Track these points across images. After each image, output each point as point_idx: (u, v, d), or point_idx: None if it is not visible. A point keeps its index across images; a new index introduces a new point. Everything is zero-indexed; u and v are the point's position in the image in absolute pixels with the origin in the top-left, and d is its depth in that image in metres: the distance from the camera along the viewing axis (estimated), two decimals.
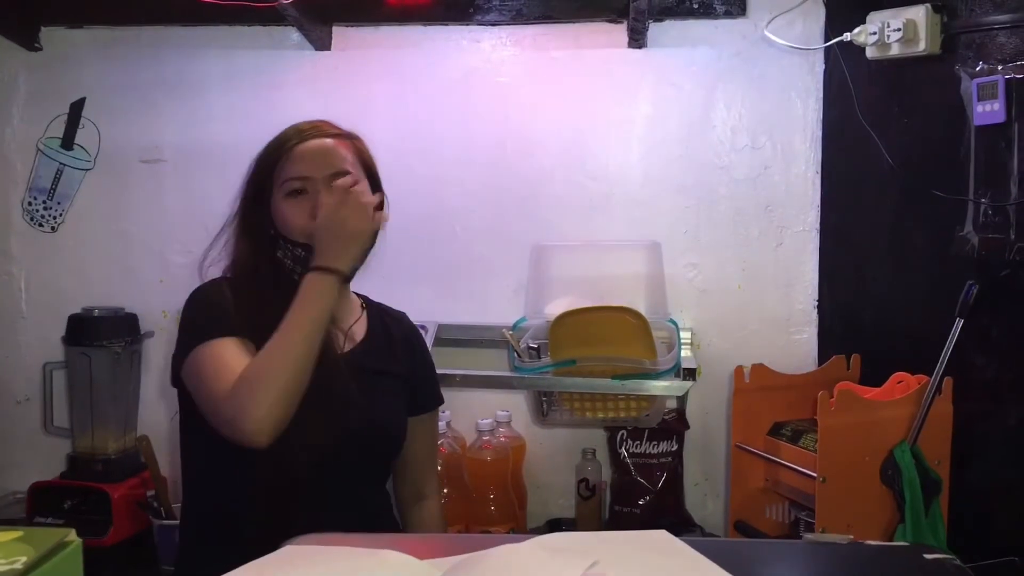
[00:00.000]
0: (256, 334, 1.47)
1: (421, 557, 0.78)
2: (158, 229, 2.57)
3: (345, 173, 1.56)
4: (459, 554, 0.78)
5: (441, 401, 1.80)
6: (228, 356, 1.45)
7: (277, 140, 1.61)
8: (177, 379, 1.54)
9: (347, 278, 1.51)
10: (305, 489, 1.49)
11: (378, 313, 1.74)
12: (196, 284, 2.52)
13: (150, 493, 2.38)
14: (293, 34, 2.49)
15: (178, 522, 2.28)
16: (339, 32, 2.50)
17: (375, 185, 1.63)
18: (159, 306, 2.57)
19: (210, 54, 2.53)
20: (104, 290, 2.57)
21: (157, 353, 2.57)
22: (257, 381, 1.39)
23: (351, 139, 1.63)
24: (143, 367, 2.57)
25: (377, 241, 1.57)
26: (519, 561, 0.72)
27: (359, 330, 1.67)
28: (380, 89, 2.49)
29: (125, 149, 2.57)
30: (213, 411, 1.43)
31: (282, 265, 1.56)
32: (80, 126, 2.58)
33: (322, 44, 2.48)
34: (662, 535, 0.84)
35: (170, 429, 2.55)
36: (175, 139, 2.56)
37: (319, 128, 1.61)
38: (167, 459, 2.44)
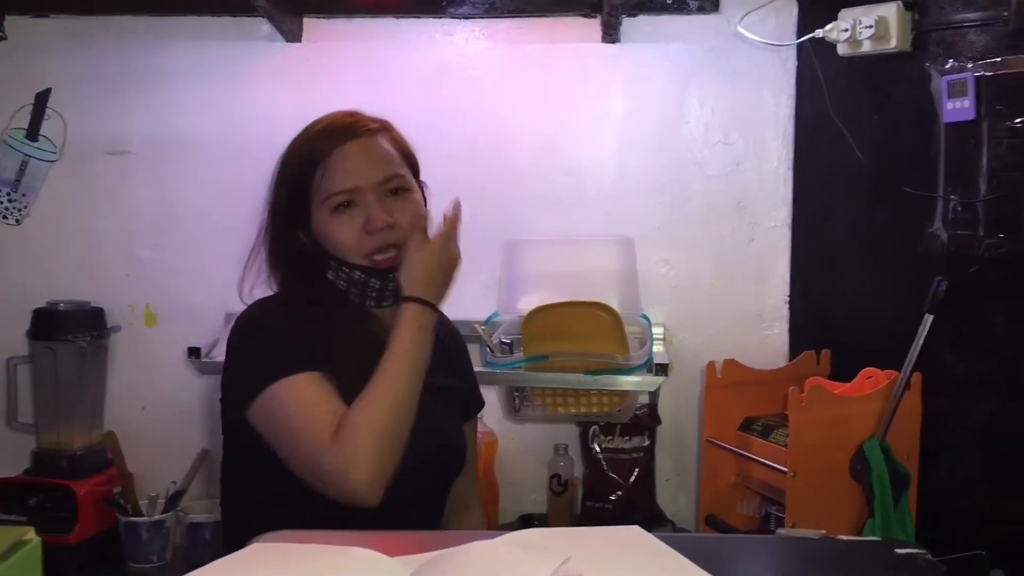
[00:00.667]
0: (328, 367, 1.31)
1: (391, 554, 0.76)
2: (125, 222, 2.54)
3: (394, 178, 1.40)
4: (429, 551, 0.77)
5: (484, 403, 1.68)
6: (319, 396, 1.28)
7: (309, 146, 1.41)
8: (236, 419, 1.35)
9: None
10: (373, 521, 1.30)
11: None
12: (166, 278, 2.54)
13: (117, 490, 2.36)
14: (263, 25, 2.46)
15: (150, 519, 2.29)
16: (310, 23, 2.47)
17: (415, 172, 1.49)
18: (126, 300, 2.54)
19: (178, 45, 2.50)
20: (70, 284, 2.53)
21: (124, 348, 2.54)
22: (368, 431, 1.22)
23: (387, 130, 1.46)
24: (109, 362, 2.53)
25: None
26: (491, 558, 0.72)
27: None
28: (351, 82, 2.46)
29: (92, 141, 2.53)
30: (311, 463, 1.25)
31: (333, 287, 1.41)
32: (46, 117, 2.53)
33: (293, 35, 2.46)
34: (634, 531, 0.83)
35: (138, 424, 2.53)
36: (143, 131, 2.52)
37: (352, 125, 1.42)
38: (134, 455, 2.40)
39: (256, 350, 1.36)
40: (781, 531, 0.85)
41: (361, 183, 1.37)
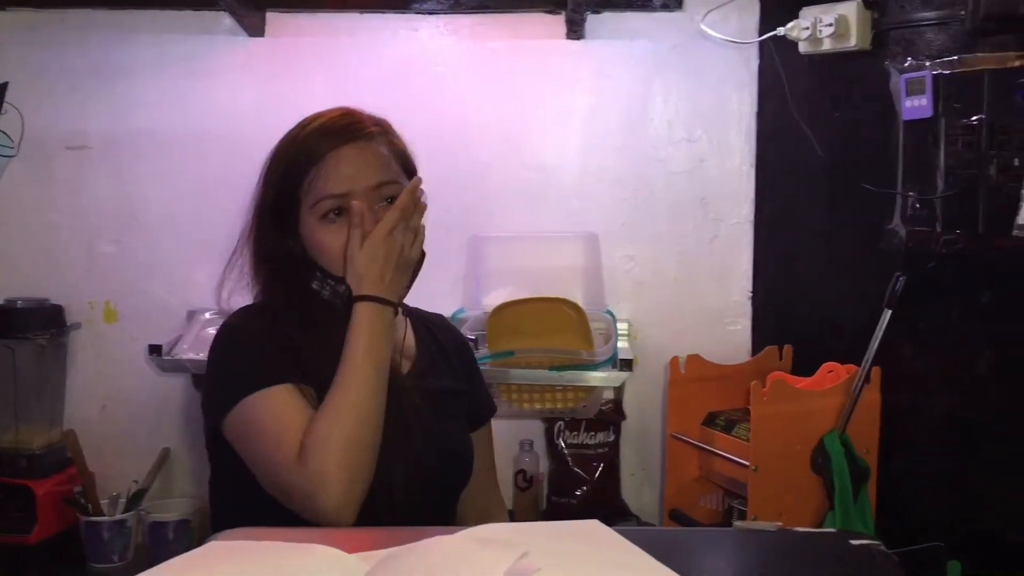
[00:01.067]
0: (307, 378, 1.25)
1: (349, 551, 0.76)
2: (85, 218, 2.50)
3: (388, 184, 1.31)
4: (388, 547, 0.77)
5: (495, 409, 1.58)
6: (291, 411, 1.21)
7: (302, 145, 1.32)
8: (215, 435, 1.29)
9: (397, 310, 1.31)
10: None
11: (420, 320, 1.50)
12: (127, 275, 2.51)
13: (77, 489, 2.33)
14: (225, 19, 2.43)
15: (111, 519, 2.27)
16: (273, 18, 2.45)
17: (411, 173, 1.39)
18: (86, 297, 2.50)
19: (139, 39, 2.46)
20: (28, 281, 2.49)
21: (83, 345, 2.51)
22: (332, 447, 1.15)
23: (385, 133, 1.36)
24: (69, 360, 2.50)
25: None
26: (448, 553, 0.71)
27: (409, 345, 1.43)
28: (315, 77, 2.44)
29: (50, 136, 2.49)
30: (280, 483, 1.19)
31: (317, 296, 1.34)
32: (2, 111, 2.49)
33: (255, 30, 2.44)
34: (593, 524, 0.84)
35: (99, 422, 2.50)
36: (102, 126, 2.49)
37: (349, 127, 1.32)
38: (95, 454, 2.38)
39: (231, 363, 1.30)
40: (738, 524, 0.85)
41: (354, 188, 1.29)
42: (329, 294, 1.32)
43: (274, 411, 1.21)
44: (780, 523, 0.83)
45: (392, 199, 1.30)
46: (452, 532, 0.81)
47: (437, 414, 1.37)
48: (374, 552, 0.77)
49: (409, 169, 1.38)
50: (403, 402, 1.28)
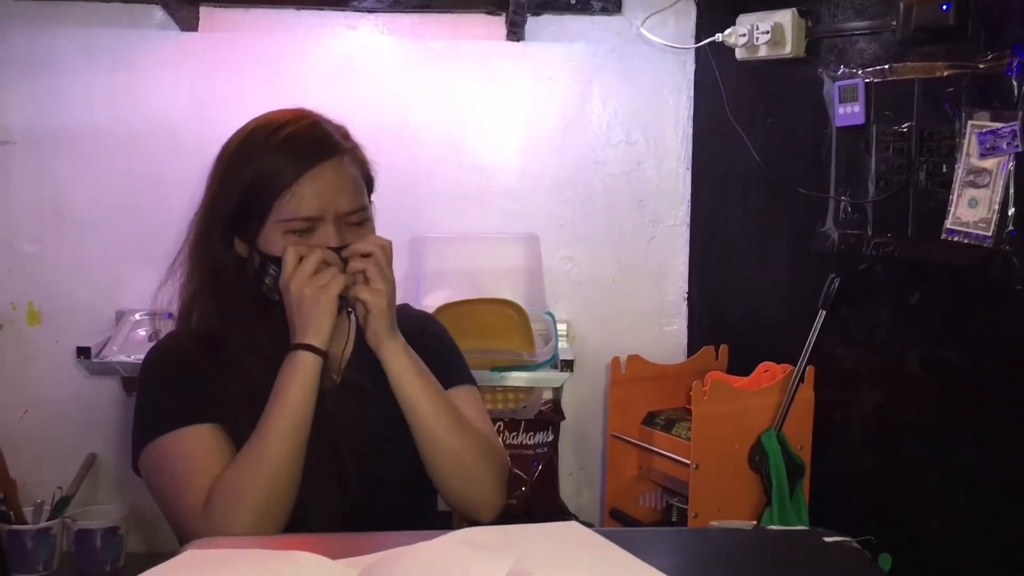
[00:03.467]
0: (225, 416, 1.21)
1: (333, 557, 0.75)
2: (6, 216, 2.40)
3: (359, 211, 1.28)
4: (372, 552, 0.76)
5: (470, 381, 1.42)
6: (198, 455, 1.18)
7: (273, 159, 1.25)
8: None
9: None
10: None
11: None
12: (51, 275, 2.42)
13: None
14: (157, 12, 2.37)
15: (35, 527, 2.19)
16: (207, 12, 2.40)
17: (371, 188, 1.34)
18: (7, 298, 2.41)
19: (65, 31, 2.37)
20: None
21: (5, 347, 2.41)
22: (241, 500, 1.11)
23: (352, 148, 1.32)
24: None
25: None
26: (442, 558, 0.71)
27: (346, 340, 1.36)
28: (250, 74, 2.40)
29: None
30: (185, 529, 1.15)
31: (265, 293, 1.28)
32: None
33: (188, 24, 2.37)
34: (573, 526, 0.84)
35: (20, 427, 2.40)
36: (25, 120, 2.39)
37: (322, 141, 1.27)
38: (16, 460, 2.29)
39: (144, 402, 1.27)
40: (714, 523, 0.87)
41: (326, 213, 1.25)
42: (281, 308, 1.26)
43: (182, 454, 1.19)
44: (755, 522, 0.85)
45: (361, 223, 1.29)
46: (431, 537, 0.80)
47: (371, 413, 1.29)
48: (359, 558, 0.76)
49: (370, 186, 1.35)
50: (328, 429, 1.22)
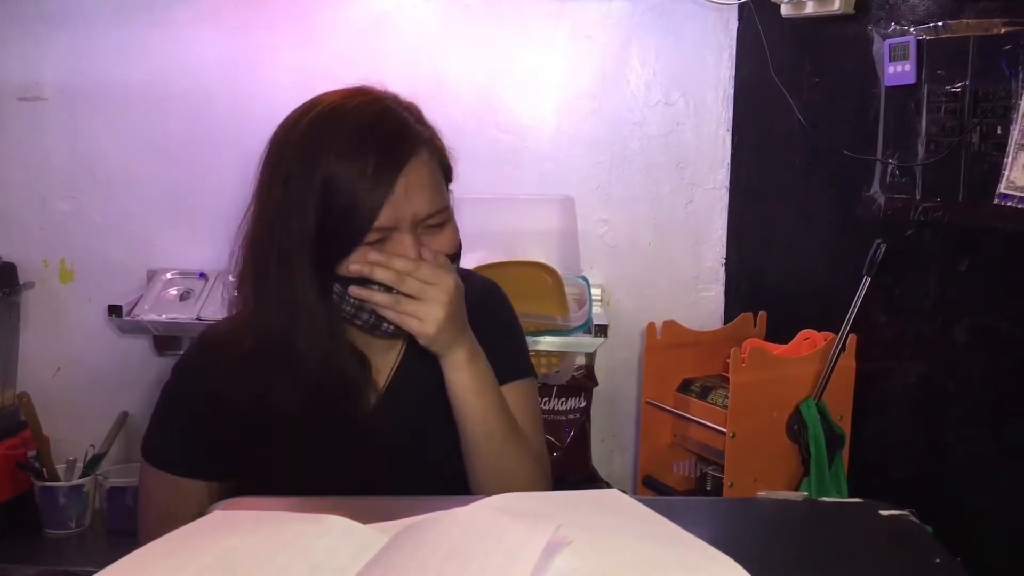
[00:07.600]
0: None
1: (364, 521, 0.72)
2: (39, 173, 2.40)
3: (441, 211, 1.16)
4: (404, 517, 0.73)
5: (526, 374, 1.32)
6: (167, 505, 1.19)
7: (349, 173, 1.08)
8: None
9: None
10: None
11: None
12: (84, 233, 2.41)
13: (31, 453, 2.25)
14: None
15: (68, 484, 2.20)
16: None
17: (449, 182, 1.23)
18: (40, 255, 2.41)
19: None
20: None
21: (37, 305, 2.41)
22: None
23: (431, 137, 1.18)
24: (22, 320, 2.41)
25: None
26: (479, 524, 0.68)
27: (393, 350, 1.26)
28: (283, 32, 2.35)
29: (2, 86, 2.37)
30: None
31: (338, 311, 1.16)
32: None
33: None
34: (614, 494, 0.81)
35: (53, 385, 2.41)
36: (58, 76, 2.37)
37: (401, 134, 1.12)
38: (49, 418, 2.29)
39: (152, 418, 1.27)
40: (762, 493, 0.83)
41: (401, 223, 1.11)
42: (366, 319, 1.16)
43: (156, 493, 1.23)
44: (805, 492, 0.81)
45: (440, 225, 1.17)
46: (466, 503, 0.77)
47: (413, 439, 1.22)
48: (391, 523, 0.73)
49: (448, 175, 1.23)
50: (362, 454, 1.14)
